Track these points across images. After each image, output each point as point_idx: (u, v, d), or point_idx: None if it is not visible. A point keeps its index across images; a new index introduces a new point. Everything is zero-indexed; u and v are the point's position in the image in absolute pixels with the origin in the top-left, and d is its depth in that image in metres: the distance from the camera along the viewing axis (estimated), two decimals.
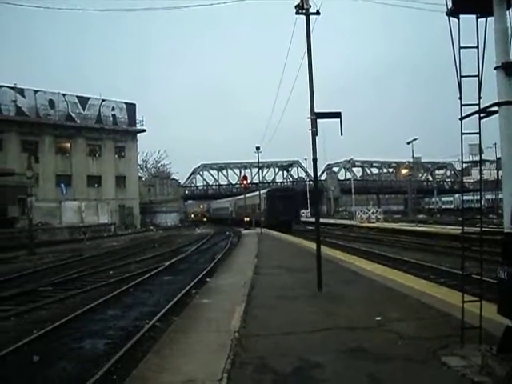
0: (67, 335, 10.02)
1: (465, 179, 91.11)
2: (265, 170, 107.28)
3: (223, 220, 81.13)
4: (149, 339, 9.18)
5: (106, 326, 10.97)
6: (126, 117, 67.79)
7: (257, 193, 55.51)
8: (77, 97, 63.43)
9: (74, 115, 62.48)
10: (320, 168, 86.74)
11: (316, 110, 12.68)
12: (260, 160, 54.07)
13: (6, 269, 22.70)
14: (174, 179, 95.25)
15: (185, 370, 6.40)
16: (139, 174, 79.57)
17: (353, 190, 72.82)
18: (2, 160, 50.76)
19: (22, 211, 41.58)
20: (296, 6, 13.06)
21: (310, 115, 12.68)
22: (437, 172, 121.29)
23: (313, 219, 49.25)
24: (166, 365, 6.68)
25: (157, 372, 6.38)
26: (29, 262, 26.34)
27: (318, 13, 13.18)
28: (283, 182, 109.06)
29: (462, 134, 6.50)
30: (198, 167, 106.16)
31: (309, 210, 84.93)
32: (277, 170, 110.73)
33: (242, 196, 63.96)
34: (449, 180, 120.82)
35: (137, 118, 68.99)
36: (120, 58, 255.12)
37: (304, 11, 13.02)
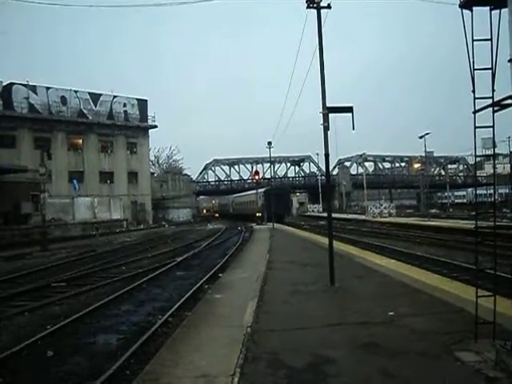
0: (81, 330, 10.11)
1: (478, 173, 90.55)
2: (276, 165, 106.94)
3: (226, 215, 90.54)
4: (162, 334, 9.22)
5: (118, 321, 11.04)
6: (138, 113, 67.92)
7: (250, 192, 67.84)
8: (88, 93, 63.61)
9: (85, 111, 62.71)
10: (332, 163, 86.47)
11: (328, 105, 12.62)
12: (272, 155, 54.13)
13: (20, 265, 22.93)
14: (186, 175, 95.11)
15: (198, 365, 6.41)
16: (151, 170, 79.73)
17: (365, 185, 72.46)
18: (15, 157, 50.98)
19: (35, 207, 41.79)
20: (307, 1, 12.98)
21: (321, 110, 12.63)
22: (449, 166, 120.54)
23: (325, 214, 49.54)
24: (178, 360, 6.70)
25: (170, 367, 6.39)
26: (42, 257, 26.51)
27: (329, 7, 13.10)
28: (295, 177, 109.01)
29: (476, 127, 6.43)
30: (210, 162, 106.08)
31: (321, 205, 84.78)
32: (288, 165, 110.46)
33: (239, 194, 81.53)
34: (461, 174, 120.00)
35: (148, 113, 69.20)
36: (133, 54, 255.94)
37: (315, 5, 12.94)
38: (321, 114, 12.66)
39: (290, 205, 74.43)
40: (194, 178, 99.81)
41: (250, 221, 59.16)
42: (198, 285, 14.41)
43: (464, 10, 6.48)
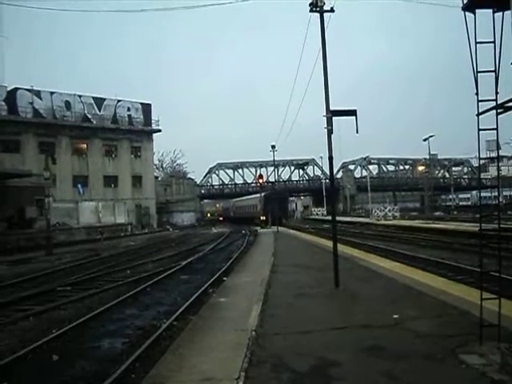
0: (86, 334, 10.11)
1: (482, 176, 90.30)
2: (280, 169, 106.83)
3: (228, 218, 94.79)
4: (166, 338, 9.21)
5: (123, 325, 11.03)
6: (142, 117, 68.08)
7: (250, 196, 74.88)
8: (93, 98, 63.80)
9: (90, 116, 62.84)
10: (336, 166, 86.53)
11: (331, 108, 12.63)
12: (276, 158, 54.23)
13: (25, 269, 22.95)
14: (190, 178, 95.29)
15: (202, 368, 6.41)
16: (155, 174, 79.83)
17: (369, 188, 72.46)
18: (19, 161, 51.21)
19: (39, 212, 41.96)
20: (310, 4, 13.01)
21: (325, 113, 12.63)
22: (453, 169, 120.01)
23: (329, 217, 49.66)
24: (183, 364, 6.70)
25: (174, 371, 6.40)
26: (47, 262, 26.55)
27: (332, 10, 13.11)
28: (299, 181, 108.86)
29: (479, 130, 6.42)
30: (214, 166, 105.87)
31: (325, 208, 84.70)
32: (292, 168, 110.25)
33: (239, 198, 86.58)
34: (466, 177, 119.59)
35: (152, 117, 69.39)
36: (136, 58, 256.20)
37: (318, 9, 12.96)
38: (324, 118, 12.67)
39: (288, 208, 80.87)
40: (198, 182, 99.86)
41: (250, 224, 61.11)
42: (203, 288, 14.40)
43: (467, 13, 6.49)
